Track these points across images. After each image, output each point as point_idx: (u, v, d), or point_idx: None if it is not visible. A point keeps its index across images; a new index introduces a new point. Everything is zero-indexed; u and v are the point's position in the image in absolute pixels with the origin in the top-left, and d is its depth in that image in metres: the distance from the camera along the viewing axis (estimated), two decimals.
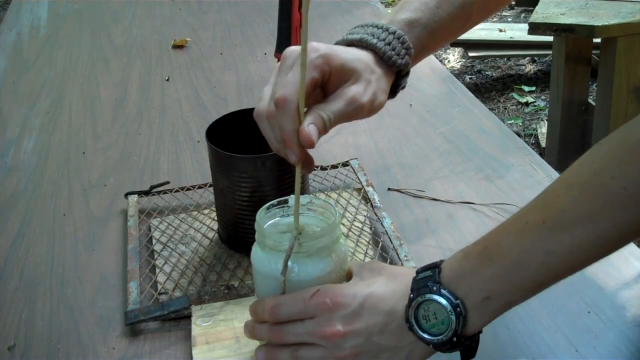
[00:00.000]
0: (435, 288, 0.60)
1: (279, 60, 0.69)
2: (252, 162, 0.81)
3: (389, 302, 0.62)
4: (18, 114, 1.29)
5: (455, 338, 0.59)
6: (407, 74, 0.73)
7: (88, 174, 1.08)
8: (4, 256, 0.90)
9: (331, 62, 0.66)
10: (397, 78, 0.73)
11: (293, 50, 0.67)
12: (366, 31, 0.71)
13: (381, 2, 2.07)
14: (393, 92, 0.74)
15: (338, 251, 0.67)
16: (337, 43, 0.72)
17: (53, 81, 1.42)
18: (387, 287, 0.64)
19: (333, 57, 0.66)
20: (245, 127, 0.89)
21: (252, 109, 0.91)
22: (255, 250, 0.67)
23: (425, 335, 0.60)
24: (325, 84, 0.67)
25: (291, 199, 0.68)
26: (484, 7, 0.78)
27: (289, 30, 0.82)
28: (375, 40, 0.69)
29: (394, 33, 0.70)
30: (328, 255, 0.65)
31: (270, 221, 0.68)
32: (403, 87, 0.74)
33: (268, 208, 0.68)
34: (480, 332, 0.61)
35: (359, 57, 0.68)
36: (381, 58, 0.69)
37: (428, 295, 0.60)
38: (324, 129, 0.64)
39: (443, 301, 0.59)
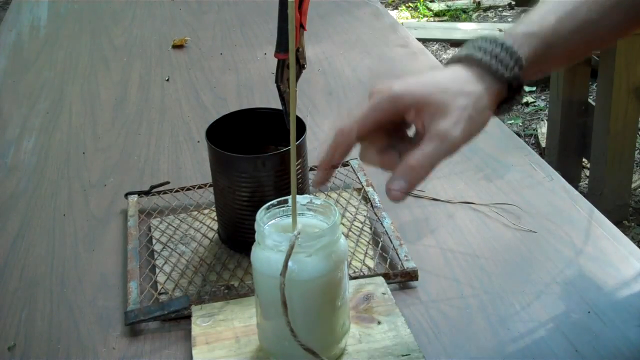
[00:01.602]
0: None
1: (279, 60, 0.69)
2: (252, 162, 0.81)
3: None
4: (18, 114, 1.29)
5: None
6: (520, 87, 0.68)
7: (88, 174, 1.08)
8: (4, 256, 0.90)
9: (402, 102, 0.63)
10: (510, 91, 0.67)
11: (379, 90, 0.64)
12: (475, 45, 0.67)
13: (381, 2, 2.07)
14: (508, 106, 0.69)
15: (338, 251, 0.66)
16: (448, 62, 0.69)
17: (53, 81, 1.42)
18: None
19: (405, 97, 0.63)
20: (245, 127, 0.90)
21: (252, 109, 0.91)
22: (255, 250, 0.67)
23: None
24: (405, 123, 0.65)
25: (291, 199, 0.68)
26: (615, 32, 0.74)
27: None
28: (480, 55, 0.66)
29: (502, 45, 0.66)
30: (328, 255, 0.65)
31: (270, 221, 0.68)
32: (518, 102, 0.69)
33: (268, 208, 0.68)
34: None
35: (447, 85, 0.64)
36: (487, 71, 0.66)
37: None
38: (417, 178, 0.62)
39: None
